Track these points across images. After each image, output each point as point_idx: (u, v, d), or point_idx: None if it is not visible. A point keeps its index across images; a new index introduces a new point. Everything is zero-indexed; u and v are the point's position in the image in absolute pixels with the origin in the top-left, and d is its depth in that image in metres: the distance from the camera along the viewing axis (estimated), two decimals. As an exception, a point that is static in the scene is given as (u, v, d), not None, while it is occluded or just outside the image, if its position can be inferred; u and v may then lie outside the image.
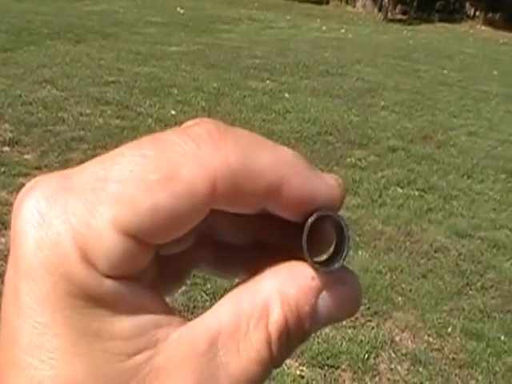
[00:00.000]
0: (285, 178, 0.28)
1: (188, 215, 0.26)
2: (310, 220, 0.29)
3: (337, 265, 0.29)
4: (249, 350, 0.28)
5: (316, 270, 0.29)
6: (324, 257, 0.32)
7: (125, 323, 0.27)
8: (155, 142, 0.27)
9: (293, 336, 0.29)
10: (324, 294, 0.29)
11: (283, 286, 0.29)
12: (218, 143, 0.27)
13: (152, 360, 0.27)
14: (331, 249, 0.32)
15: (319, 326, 0.31)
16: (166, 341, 0.27)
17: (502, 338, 3.89)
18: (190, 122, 0.28)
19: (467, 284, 4.48)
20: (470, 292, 4.39)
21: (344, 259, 0.30)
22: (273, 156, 0.29)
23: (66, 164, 5.18)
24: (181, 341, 0.27)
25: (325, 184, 0.30)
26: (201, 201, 0.26)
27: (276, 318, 0.28)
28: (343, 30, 16.21)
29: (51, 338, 0.26)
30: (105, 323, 0.26)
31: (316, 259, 0.30)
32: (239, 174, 0.27)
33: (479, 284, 4.50)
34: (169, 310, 0.29)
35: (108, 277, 0.26)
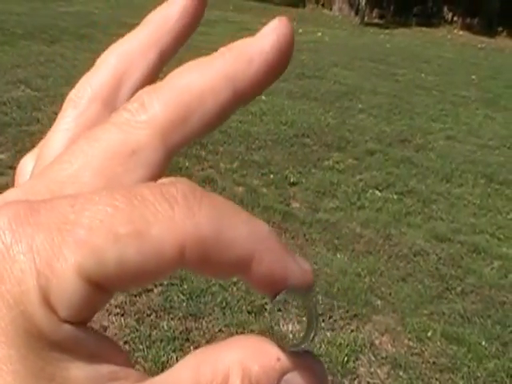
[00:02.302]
0: (257, 254, 0.27)
1: (152, 273, 0.26)
2: (277, 298, 0.29)
3: (304, 345, 0.29)
4: None
5: (282, 348, 0.29)
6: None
7: (80, 371, 0.26)
8: (128, 195, 0.26)
9: None
10: (288, 377, 0.28)
11: (247, 361, 0.28)
12: (192, 208, 0.26)
13: None
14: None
15: None
16: None
17: (483, 343, 3.90)
18: (164, 180, 0.28)
19: (447, 288, 4.49)
20: (450, 296, 4.40)
21: (312, 340, 0.29)
22: (247, 229, 0.28)
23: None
24: None
25: (298, 266, 0.29)
26: (167, 263, 0.26)
27: None
28: (320, 34, 16.26)
29: (6, 374, 0.25)
30: (60, 368, 0.26)
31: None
32: (210, 243, 0.26)
33: (459, 288, 4.51)
34: (127, 362, 0.28)
35: (67, 322, 0.26)
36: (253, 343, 0.29)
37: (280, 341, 0.29)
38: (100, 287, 0.26)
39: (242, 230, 0.27)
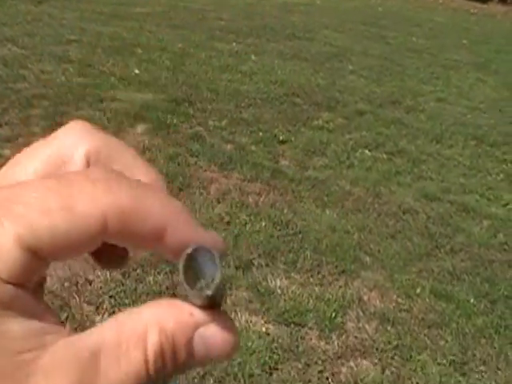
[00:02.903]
0: (170, 224, 0.32)
1: (81, 243, 0.30)
2: (186, 251, 0.32)
3: (208, 291, 0.32)
4: (127, 365, 0.31)
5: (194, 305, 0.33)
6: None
7: (17, 325, 0.30)
8: (59, 179, 0.31)
9: (168, 362, 0.32)
10: (201, 330, 0.33)
11: (163, 317, 0.32)
12: (112, 185, 0.31)
13: (38, 359, 0.30)
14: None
15: (197, 362, 0.34)
16: (53, 345, 0.30)
17: (472, 300, 3.87)
18: (91, 167, 0.34)
19: (436, 246, 4.45)
20: (439, 254, 4.36)
21: (215, 288, 0.32)
22: (161, 203, 0.32)
23: (26, 121, 5.12)
24: (67, 347, 0.31)
25: (210, 236, 0.34)
26: (92, 233, 0.30)
27: (153, 342, 0.32)
28: (311, -4, 16.13)
29: None
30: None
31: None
32: (128, 214, 0.31)
33: (448, 247, 4.47)
34: (58, 322, 0.32)
35: (8, 283, 0.29)
36: (167, 302, 0.33)
37: (185, 287, 0.32)
38: (37, 255, 0.30)
39: (157, 205, 0.32)
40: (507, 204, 5.44)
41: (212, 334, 0.33)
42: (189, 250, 0.32)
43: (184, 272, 0.32)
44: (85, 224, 0.30)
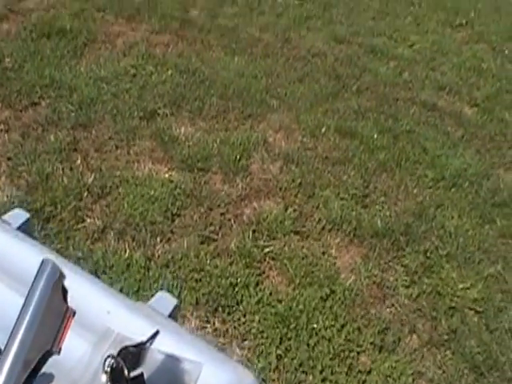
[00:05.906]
0: None
1: None
2: None
3: None
4: None
5: None
6: None
7: None
8: None
9: None
10: None
11: None
12: None
13: None
14: None
15: None
16: None
17: (375, 135, 3.70)
18: None
19: (343, 87, 4.23)
20: (346, 94, 4.14)
21: None
22: None
23: None
24: None
25: None
26: None
27: None
28: None
29: None
30: None
31: None
32: None
33: (355, 87, 4.25)
34: None
35: None
36: None
37: None
38: None
39: None
40: (413, 45, 5.23)
41: None
42: None
43: None
44: None
